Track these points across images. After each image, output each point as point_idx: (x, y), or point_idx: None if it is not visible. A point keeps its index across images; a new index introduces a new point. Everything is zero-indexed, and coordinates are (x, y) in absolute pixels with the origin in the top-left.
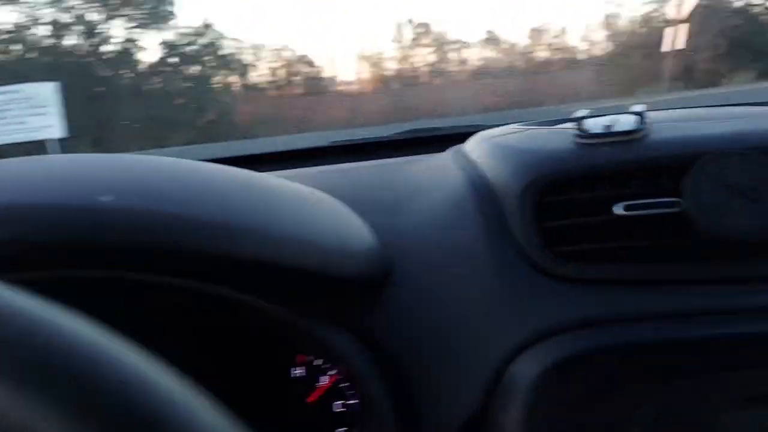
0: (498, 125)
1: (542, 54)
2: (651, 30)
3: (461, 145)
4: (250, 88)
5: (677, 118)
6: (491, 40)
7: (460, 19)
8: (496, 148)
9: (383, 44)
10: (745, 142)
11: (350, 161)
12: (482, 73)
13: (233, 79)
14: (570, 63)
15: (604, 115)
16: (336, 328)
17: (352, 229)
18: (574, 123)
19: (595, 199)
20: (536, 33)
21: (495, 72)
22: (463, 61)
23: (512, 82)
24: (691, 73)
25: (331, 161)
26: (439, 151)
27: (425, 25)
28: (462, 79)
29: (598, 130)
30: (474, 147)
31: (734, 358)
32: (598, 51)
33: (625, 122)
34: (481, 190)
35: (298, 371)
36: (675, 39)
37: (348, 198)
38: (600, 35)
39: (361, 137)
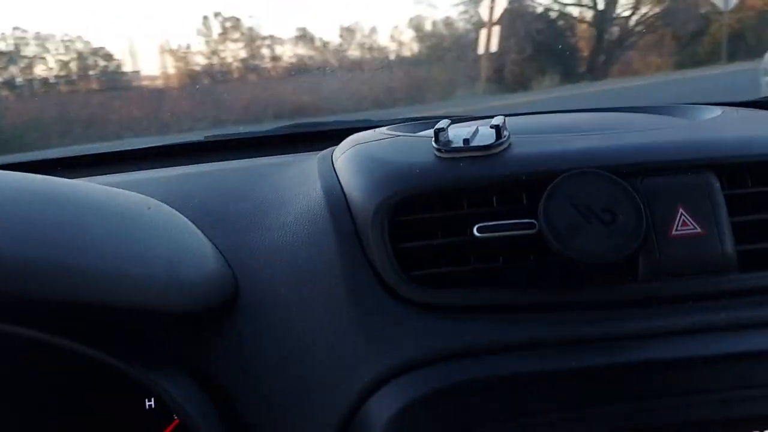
0: (384, 123)
1: (356, 53)
2: (465, 32)
3: (332, 149)
4: (29, 85)
5: (538, 128)
6: (304, 37)
7: (271, 15)
8: (357, 157)
9: (189, 38)
10: (602, 160)
11: (223, 160)
12: (296, 70)
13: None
14: (385, 63)
15: (475, 118)
16: (162, 369)
17: (189, 251)
18: (434, 134)
19: (453, 219)
20: (349, 32)
21: (309, 70)
22: (275, 58)
23: (327, 81)
24: (503, 75)
25: (199, 160)
26: (326, 148)
27: (234, 20)
28: (276, 77)
29: (458, 144)
30: (340, 152)
31: (589, 393)
32: (413, 51)
33: (484, 136)
34: (337, 204)
35: (153, 402)
36: (488, 42)
37: (198, 209)
38: (414, 36)
39: (240, 132)
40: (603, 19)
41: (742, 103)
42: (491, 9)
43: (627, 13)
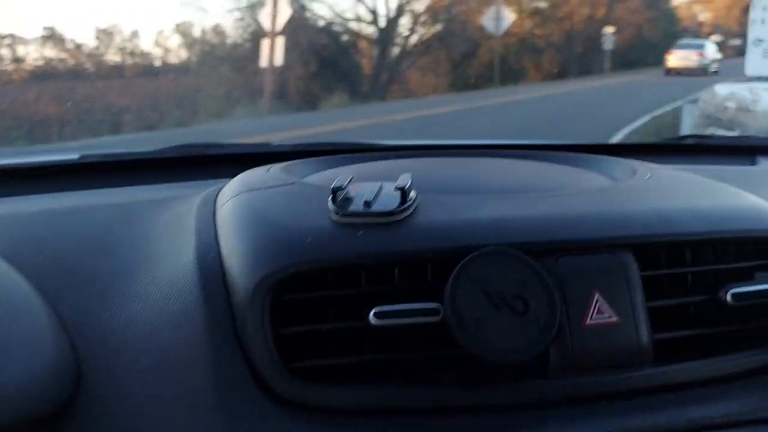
0: (288, 151)
1: (115, 58)
2: (243, 41)
3: (218, 188)
4: None
5: (445, 182)
6: (53, 37)
7: (12, 11)
8: (242, 211)
9: None
10: (515, 236)
11: (101, 185)
12: (43, 74)
13: None
14: (149, 70)
15: (384, 149)
16: None
17: (14, 340)
18: (332, 192)
19: (348, 299)
20: (107, 34)
21: (59, 74)
22: (17, 60)
23: (82, 87)
24: (288, 91)
25: (74, 184)
26: (216, 177)
27: None
28: (17, 80)
29: (357, 207)
30: (226, 198)
31: None
32: (181, 59)
33: (387, 197)
34: (210, 274)
35: None
36: (271, 54)
37: (47, 263)
38: (183, 42)
39: (122, 153)
40: (385, 37)
41: (653, 146)
42: (273, 18)
43: (407, 33)
